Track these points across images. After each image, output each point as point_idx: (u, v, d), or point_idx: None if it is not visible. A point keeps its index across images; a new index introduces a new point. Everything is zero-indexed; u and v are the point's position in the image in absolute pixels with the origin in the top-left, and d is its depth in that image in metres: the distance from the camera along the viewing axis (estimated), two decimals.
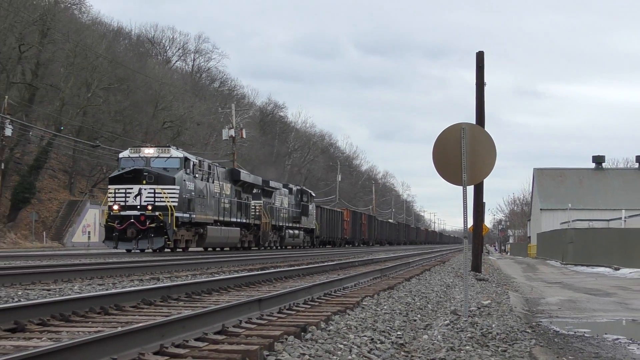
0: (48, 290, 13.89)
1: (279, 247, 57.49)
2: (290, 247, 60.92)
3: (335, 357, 7.18)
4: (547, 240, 65.26)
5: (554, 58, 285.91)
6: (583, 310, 15.50)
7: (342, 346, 7.78)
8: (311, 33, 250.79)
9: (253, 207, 50.52)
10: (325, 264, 25.70)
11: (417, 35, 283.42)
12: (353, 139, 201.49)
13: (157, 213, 33.71)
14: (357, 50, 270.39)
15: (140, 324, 7.14)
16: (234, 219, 45.29)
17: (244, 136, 78.80)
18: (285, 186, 61.86)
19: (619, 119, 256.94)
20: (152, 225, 33.70)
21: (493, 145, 12.38)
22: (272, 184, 56.04)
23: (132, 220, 33.82)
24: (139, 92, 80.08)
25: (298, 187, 66.36)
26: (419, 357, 7.77)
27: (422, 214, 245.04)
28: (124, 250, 34.60)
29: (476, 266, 27.62)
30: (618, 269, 36.65)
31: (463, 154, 12.02)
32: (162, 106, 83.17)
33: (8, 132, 58.45)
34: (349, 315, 10.73)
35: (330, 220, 77.51)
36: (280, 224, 56.97)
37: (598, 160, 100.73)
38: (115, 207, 34.29)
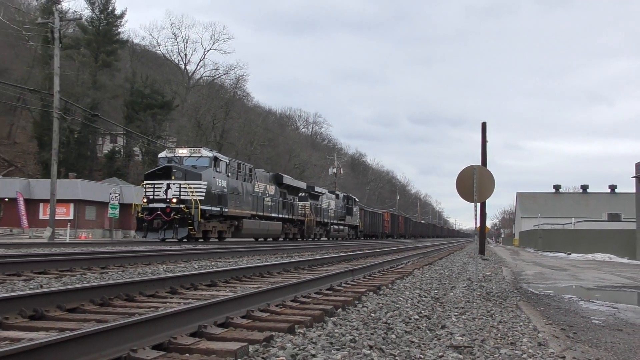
0: (229, 262, 14.09)
1: (326, 239, 46.03)
2: (339, 238, 49.43)
3: (397, 304, 7.08)
4: (525, 236, 63.80)
5: (529, 125, 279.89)
6: (549, 279, 14.97)
7: (401, 299, 7.69)
8: (381, 111, 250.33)
9: (301, 207, 39.21)
10: (390, 248, 25.45)
11: (445, 111, 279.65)
12: (406, 174, 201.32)
13: (181, 205, 24.47)
14: (409, 121, 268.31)
15: (282, 284, 7.16)
16: (275, 215, 33.94)
17: (342, 172, 79.29)
18: (332, 192, 49.86)
19: (569, 162, 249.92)
20: (177, 216, 24.45)
21: (493, 178, 12.13)
22: (318, 189, 44.23)
23: (159, 212, 24.65)
24: (280, 146, 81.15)
25: (344, 194, 53.73)
26: (448, 306, 7.62)
27: (448, 218, 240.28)
28: (158, 240, 25.09)
29: (481, 251, 26.97)
30: (570, 254, 35.60)
31: (474, 183, 11.82)
32: (294, 155, 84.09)
33: None
34: (405, 280, 10.61)
35: (372, 219, 64.15)
36: (326, 221, 44.86)
37: (557, 187, 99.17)
38: (145, 200, 25.19)
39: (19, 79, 51.92)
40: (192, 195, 24.67)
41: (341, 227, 49.58)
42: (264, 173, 34.20)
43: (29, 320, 4.77)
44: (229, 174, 27.77)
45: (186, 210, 24.43)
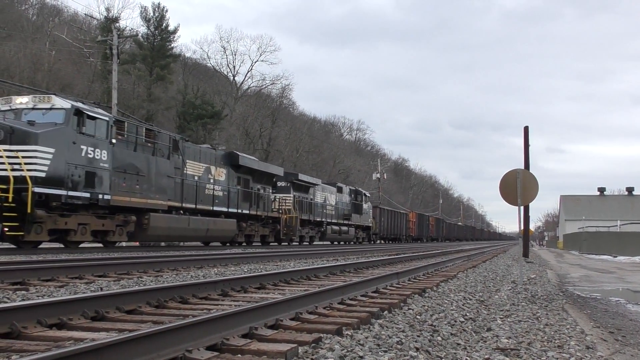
0: (277, 265, 14.13)
1: (326, 243, 36.92)
2: (342, 242, 39.31)
3: (442, 307, 6.97)
4: (570, 238, 62.13)
5: (571, 129, 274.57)
6: (595, 282, 14.51)
7: (446, 301, 7.56)
8: (423, 118, 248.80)
9: (279, 200, 29.63)
10: (434, 251, 25.10)
11: (487, 117, 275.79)
12: (449, 178, 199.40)
13: None
14: (450, 127, 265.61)
15: (329, 286, 7.13)
16: (224, 209, 23.56)
17: (385, 177, 78.90)
18: (332, 184, 39.25)
19: (613, 165, 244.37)
20: None
21: (536, 182, 11.86)
22: (306, 177, 33.44)
23: None
24: (325, 153, 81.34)
25: (352, 188, 43.28)
26: (493, 309, 7.46)
27: (491, 222, 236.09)
28: None
29: (525, 254, 26.34)
30: (616, 257, 34.46)
31: (518, 187, 11.58)
32: (338, 161, 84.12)
33: None
34: (449, 282, 10.44)
35: (391, 219, 53.28)
36: (320, 219, 34.32)
37: (601, 190, 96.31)
38: None
39: (81, 93, 53.62)
40: (19, 169, 14.55)
41: (344, 227, 38.99)
42: (207, 150, 23.86)
43: (90, 321, 4.89)
44: (114, 141, 17.41)
45: (3, 194, 14.24)
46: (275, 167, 30.47)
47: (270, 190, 28.72)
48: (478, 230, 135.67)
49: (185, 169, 21.47)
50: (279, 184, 30.52)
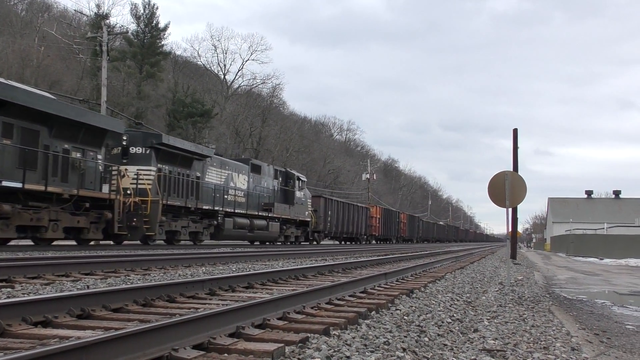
0: (265, 265, 14.09)
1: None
2: (264, 242, 29.68)
3: (430, 308, 6.99)
4: (557, 240, 62.58)
5: (559, 131, 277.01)
6: (581, 284, 14.61)
7: (434, 302, 7.58)
8: (413, 119, 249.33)
9: (135, 175, 20.07)
10: (424, 252, 25.15)
11: (476, 119, 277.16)
12: (438, 180, 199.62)
13: None
14: (440, 128, 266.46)
15: (317, 286, 7.11)
16: None
17: (375, 178, 78.97)
18: (244, 161, 28.78)
19: (600, 168, 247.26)
20: None
21: (524, 184, 11.94)
22: (183, 144, 22.59)
23: None
24: (315, 153, 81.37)
25: (278, 168, 32.39)
26: (480, 310, 7.49)
27: (479, 223, 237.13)
28: None
29: (513, 255, 26.51)
30: (602, 259, 34.78)
31: (506, 189, 11.64)
32: (328, 161, 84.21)
33: None
34: (437, 283, 10.47)
35: (344, 214, 42.35)
36: (210, 208, 23.56)
37: (589, 193, 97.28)
38: None
39: (70, 90, 53.28)
40: None
41: (261, 221, 28.02)
42: None
43: (76, 319, 4.85)
44: None
45: None
46: (106, 119, 19.67)
47: (99, 156, 18.56)
48: (463, 231, 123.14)
49: None
50: (132, 149, 20.45)
